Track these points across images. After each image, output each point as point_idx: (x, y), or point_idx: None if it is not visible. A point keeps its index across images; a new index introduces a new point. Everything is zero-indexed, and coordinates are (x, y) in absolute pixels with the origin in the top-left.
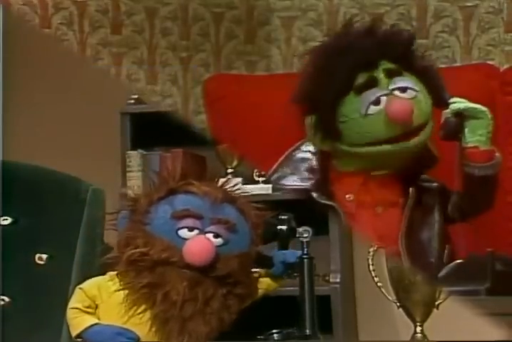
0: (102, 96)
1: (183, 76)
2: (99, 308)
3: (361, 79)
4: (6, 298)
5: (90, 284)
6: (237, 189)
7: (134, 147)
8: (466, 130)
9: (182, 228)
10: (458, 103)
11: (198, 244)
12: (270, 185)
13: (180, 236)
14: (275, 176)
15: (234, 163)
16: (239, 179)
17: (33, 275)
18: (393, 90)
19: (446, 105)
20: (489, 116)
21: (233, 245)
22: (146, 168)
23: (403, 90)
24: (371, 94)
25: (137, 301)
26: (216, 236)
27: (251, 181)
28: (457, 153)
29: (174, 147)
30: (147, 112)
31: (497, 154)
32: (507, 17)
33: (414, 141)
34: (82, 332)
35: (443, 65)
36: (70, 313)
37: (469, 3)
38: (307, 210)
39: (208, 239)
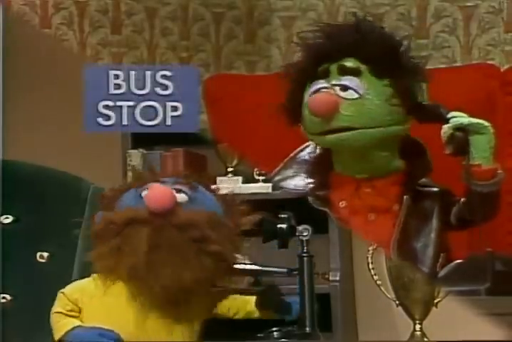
0: None
1: None
2: (82, 311)
3: (319, 69)
4: (8, 297)
5: (72, 288)
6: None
7: (135, 146)
8: (470, 145)
9: (144, 190)
10: (460, 118)
11: (157, 189)
12: (270, 184)
13: (142, 197)
14: (278, 178)
15: (235, 162)
16: (240, 178)
17: (35, 273)
18: (334, 85)
19: (445, 119)
20: (491, 131)
21: (199, 204)
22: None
23: (344, 88)
24: (315, 85)
25: (107, 266)
26: (179, 191)
27: (251, 180)
28: (462, 166)
29: (174, 146)
30: None
31: (499, 171)
32: (507, 17)
33: (334, 136)
34: (63, 335)
35: (443, 65)
36: (53, 318)
37: (469, 3)
38: (307, 209)
39: (167, 187)
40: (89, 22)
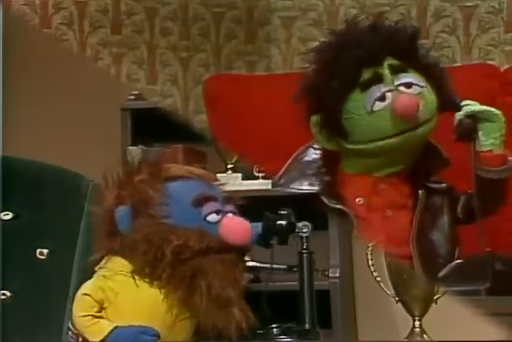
0: (102, 93)
1: (183, 76)
2: (106, 310)
3: (366, 75)
4: (8, 293)
5: (93, 289)
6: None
7: (134, 143)
8: (480, 133)
9: (210, 213)
10: (472, 106)
11: (238, 224)
12: (270, 181)
13: (209, 222)
14: (283, 180)
15: (234, 159)
16: (239, 175)
17: (34, 270)
18: (399, 85)
19: (458, 107)
20: (502, 119)
21: None
22: None
23: (409, 85)
24: (377, 90)
25: (179, 297)
26: (235, 214)
27: (251, 176)
28: (471, 155)
29: (174, 143)
30: (148, 108)
31: (510, 158)
32: (507, 17)
33: (420, 130)
34: (105, 338)
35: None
36: (83, 321)
37: (469, 3)
38: (307, 205)
39: (243, 220)
40: (89, 22)
